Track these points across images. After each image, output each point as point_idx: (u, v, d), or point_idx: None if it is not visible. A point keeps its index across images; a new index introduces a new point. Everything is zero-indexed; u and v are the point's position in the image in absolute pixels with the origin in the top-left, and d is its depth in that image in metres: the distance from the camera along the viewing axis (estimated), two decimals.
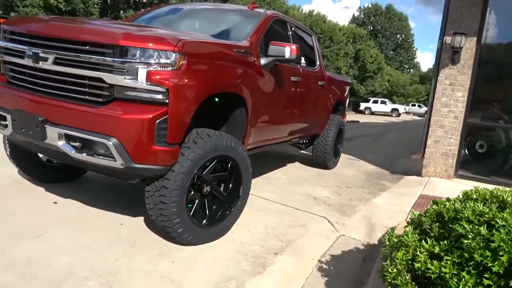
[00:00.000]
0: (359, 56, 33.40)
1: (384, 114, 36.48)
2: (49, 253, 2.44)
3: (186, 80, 2.48)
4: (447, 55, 5.36)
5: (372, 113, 36.40)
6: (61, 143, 2.45)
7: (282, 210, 3.87)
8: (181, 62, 2.44)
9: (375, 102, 37.31)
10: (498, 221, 1.68)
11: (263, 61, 3.45)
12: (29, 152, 3.32)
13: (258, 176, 5.10)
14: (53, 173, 3.69)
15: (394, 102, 42.22)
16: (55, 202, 3.28)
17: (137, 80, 2.33)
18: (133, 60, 2.33)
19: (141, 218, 3.15)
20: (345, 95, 6.44)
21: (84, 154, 2.44)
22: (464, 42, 5.14)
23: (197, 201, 2.80)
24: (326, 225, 3.62)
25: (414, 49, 63.70)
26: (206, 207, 2.88)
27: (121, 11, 17.12)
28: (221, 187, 3.02)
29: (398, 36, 60.86)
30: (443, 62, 5.42)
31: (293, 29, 4.54)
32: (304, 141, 5.96)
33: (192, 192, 2.74)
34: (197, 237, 2.78)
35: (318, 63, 5.23)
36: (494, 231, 1.64)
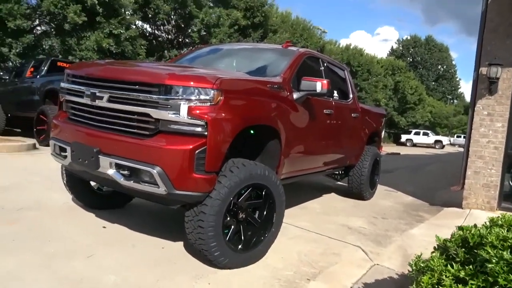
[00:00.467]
0: (399, 88, 33.07)
1: (427, 146, 35.43)
2: (98, 272, 2.67)
3: (223, 114, 2.72)
4: (484, 85, 5.34)
5: (414, 145, 35.45)
6: (112, 172, 2.74)
7: (315, 238, 3.94)
8: (218, 98, 2.70)
9: (417, 133, 36.40)
10: None
11: (295, 95, 3.67)
12: (83, 181, 3.67)
13: (294, 205, 5.21)
14: (103, 201, 4.02)
15: (437, 134, 40.95)
16: (104, 227, 3.56)
17: (179, 115, 2.60)
18: (176, 97, 2.61)
19: (181, 243, 3.34)
20: (380, 126, 6.49)
21: (132, 182, 2.71)
22: (500, 73, 5.12)
23: (233, 226, 2.97)
24: (359, 254, 3.64)
25: (457, 79, 62.15)
26: (241, 233, 3.04)
27: (165, 51, 18.26)
28: (256, 214, 3.17)
29: (439, 67, 59.80)
30: (480, 93, 5.39)
31: (325, 64, 4.76)
32: (340, 172, 6.03)
33: (228, 218, 2.91)
34: (232, 261, 2.92)
35: (351, 95, 5.39)
36: None
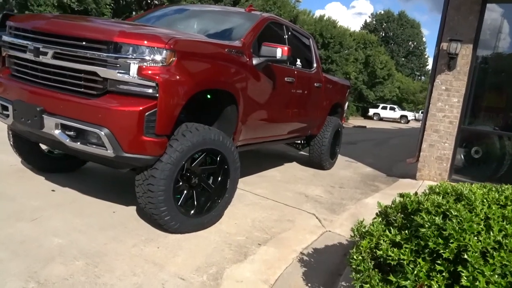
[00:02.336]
0: (369, 62, 33.34)
1: (393, 120, 36.35)
2: (43, 234, 2.60)
3: (176, 76, 2.63)
4: (444, 61, 5.45)
5: (381, 119, 36.28)
6: (57, 132, 2.62)
7: (272, 205, 3.99)
8: (171, 59, 2.59)
9: (384, 108, 37.19)
10: (452, 212, 1.79)
11: (255, 61, 3.59)
12: (31, 143, 3.50)
13: (254, 173, 5.24)
14: (53, 164, 3.87)
15: (403, 109, 42.02)
16: (53, 190, 3.45)
17: (129, 75, 2.49)
18: (125, 56, 2.48)
19: (133, 208, 3.30)
20: (344, 98, 6.55)
21: (78, 143, 2.60)
22: (459, 49, 5.22)
23: (185, 191, 2.94)
24: (313, 221, 3.73)
25: (426, 56, 63.32)
26: (194, 198, 3.02)
27: (133, 12, 17.44)
28: (210, 180, 3.15)
29: (410, 43, 60.57)
30: (440, 68, 5.50)
31: (290, 31, 4.67)
32: (301, 142, 6.08)
33: (181, 183, 2.88)
34: (184, 226, 2.92)
35: (315, 65, 5.36)
36: (448, 220, 1.75)
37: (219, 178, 3.18)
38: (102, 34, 2.58)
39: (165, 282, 2.26)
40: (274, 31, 4.34)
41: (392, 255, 1.81)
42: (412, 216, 1.96)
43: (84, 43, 2.56)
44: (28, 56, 2.77)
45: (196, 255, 2.67)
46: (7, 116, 2.90)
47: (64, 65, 2.63)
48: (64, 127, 2.61)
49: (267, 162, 6.16)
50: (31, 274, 2.13)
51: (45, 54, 2.66)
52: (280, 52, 3.52)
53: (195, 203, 3.02)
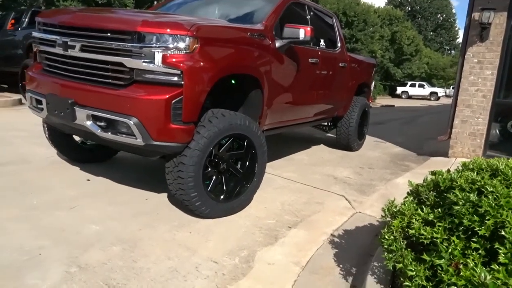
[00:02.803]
0: (396, 39, 32.28)
1: (423, 98, 35.29)
2: (81, 222, 2.72)
3: (199, 63, 2.64)
4: (475, 32, 5.20)
5: (410, 97, 35.29)
6: (89, 123, 2.70)
7: (300, 188, 3.99)
8: (194, 46, 2.60)
9: (413, 85, 36.10)
10: (487, 188, 1.73)
11: (278, 43, 3.55)
12: (65, 135, 3.63)
13: (282, 157, 5.24)
14: (87, 154, 4.01)
15: (433, 86, 40.63)
16: (88, 180, 3.58)
17: (154, 63, 2.52)
18: (150, 45, 2.51)
19: (165, 195, 3.38)
20: (370, 77, 6.39)
21: (109, 133, 2.67)
22: (493, 18, 4.97)
23: (214, 177, 2.98)
24: (343, 203, 3.71)
25: (456, 29, 60.62)
26: (223, 183, 3.06)
27: (155, 2, 17.55)
28: (238, 165, 3.18)
29: (438, 16, 58.10)
30: (471, 40, 5.27)
31: (312, 11, 4.58)
32: (328, 123, 6.01)
33: (210, 169, 2.92)
34: (214, 211, 2.97)
35: (339, 44, 5.24)
36: (483, 197, 1.70)
37: (247, 163, 3.20)
38: (125, 24, 2.62)
39: (199, 265, 2.32)
40: (296, 12, 4.27)
41: (425, 233, 1.79)
42: (445, 194, 1.92)
43: (109, 34, 2.61)
44: (57, 50, 2.85)
45: (227, 239, 2.72)
46: (41, 109, 3.02)
47: (91, 57, 2.69)
48: (95, 118, 2.69)
49: (294, 145, 6.14)
50: (73, 259, 2.23)
51: (73, 47, 2.73)
52: (303, 33, 3.46)
53: (224, 188, 3.06)
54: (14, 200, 2.99)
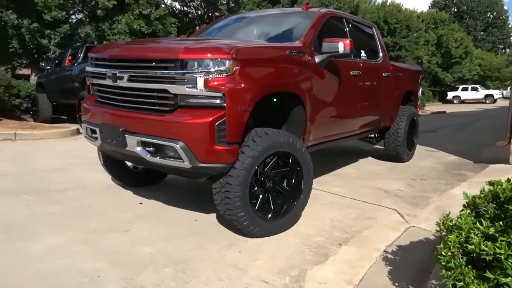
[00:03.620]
0: (442, 42, 31.08)
1: (477, 101, 33.40)
2: (135, 244, 2.82)
3: (240, 84, 2.69)
4: None
5: (462, 102, 33.57)
6: (138, 149, 2.83)
7: (349, 203, 3.89)
8: (234, 68, 2.66)
9: (465, 89, 34.35)
10: None
11: (317, 58, 3.54)
12: (118, 161, 3.83)
13: (328, 172, 5.16)
14: (138, 178, 4.19)
15: (488, 88, 38.38)
16: (140, 203, 3.73)
17: (196, 88, 2.61)
18: (191, 71, 2.61)
19: (213, 215, 3.43)
20: (416, 84, 6.18)
21: (158, 158, 2.78)
22: None
23: (261, 196, 2.99)
24: (395, 217, 3.57)
25: (510, 26, 57.23)
26: (270, 202, 3.06)
27: (196, 27, 18.24)
28: (284, 182, 3.17)
29: (488, 15, 55.27)
30: None
31: (350, 23, 4.54)
32: (375, 135, 5.86)
33: (256, 188, 2.93)
34: (262, 229, 2.96)
35: (381, 54, 5.14)
36: None
37: (293, 180, 3.18)
38: (168, 53, 2.75)
39: (249, 286, 2.32)
40: (334, 26, 4.25)
41: (486, 249, 1.67)
42: (506, 206, 1.79)
43: (153, 63, 2.75)
44: (108, 82, 3.04)
45: (276, 258, 2.69)
46: (96, 138, 3.21)
47: (138, 87, 2.84)
48: (144, 144, 2.81)
49: (340, 159, 6.02)
50: (128, 281, 2.32)
51: (121, 78, 2.90)
52: (342, 46, 3.44)
53: (271, 206, 3.05)
54: (75, 223, 3.18)
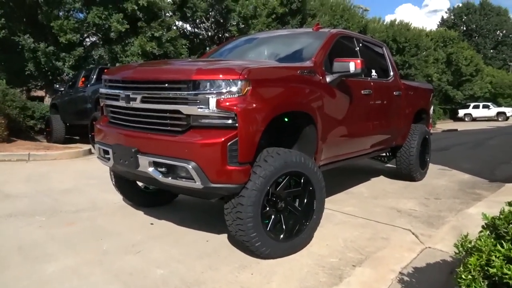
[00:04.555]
0: (452, 60, 31.10)
1: (489, 119, 33.06)
2: (147, 265, 2.80)
3: (252, 104, 2.71)
4: None
5: (474, 120, 33.26)
6: (151, 170, 2.84)
7: (362, 223, 3.83)
8: (246, 88, 2.68)
9: (476, 107, 34.07)
10: None
11: (328, 78, 3.56)
12: (129, 181, 3.84)
13: (340, 191, 5.10)
14: (150, 199, 4.19)
15: (499, 105, 38.02)
16: (151, 223, 3.72)
17: (209, 108, 2.62)
18: (204, 91, 2.63)
19: (225, 235, 3.40)
20: (427, 103, 6.15)
21: (170, 178, 2.79)
22: None
23: (273, 216, 2.96)
24: (409, 237, 3.49)
25: None
26: (282, 222, 3.03)
27: (207, 48, 18.54)
28: (296, 202, 3.14)
29: (498, 33, 55.36)
30: None
31: (360, 43, 4.57)
32: (387, 154, 5.81)
33: (268, 208, 2.91)
34: (275, 250, 2.92)
35: (391, 73, 5.15)
36: None
37: (305, 200, 3.15)
38: (181, 74, 2.79)
39: None
40: (345, 46, 4.29)
41: (509, 273, 1.62)
42: None
43: (166, 85, 2.78)
44: (121, 103, 3.09)
45: (290, 279, 2.65)
46: (109, 159, 3.24)
47: (151, 108, 2.87)
48: (156, 165, 2.82)
49: (353, 178, 5.96)
50: None
51: (134, 99, 2.94)
52: (353, 65, 3.45)
53: (284, 227, 3.02)
54: (87, 244, 3.18)
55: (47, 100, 14.37)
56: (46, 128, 11.33)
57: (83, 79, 10.55)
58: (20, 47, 13.01)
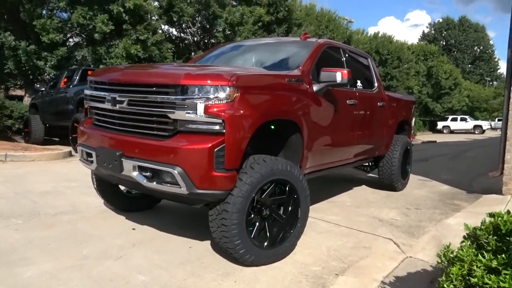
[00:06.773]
0: (432, 73, 31.91)
1: (466, 132, 33.98)
2: (128, 271, 2.74)
3: (240, 111, 2.70)
4: None
5: (452, 132, 34.11)
6: (135, 174, 2.80)
7: (345, 232, 3.86)
8: (235, 95, 2.68)
9: (454, 119, 35.00)
10: None
11: (315, 87, 3.59)
12: (112, 185, 3.77)
13: (323, 199, 5.13)
14: (132, 203, 4.12)
15: (476, 119, 39.17)
16: (133, 228, 3.65)
17: (196, 114, 2.61)
18: (192, 96, 2.62)
19: (208, 242, 3.37)
20: (409, 114, 6.28)
21: (154, 183, 2.75)
22: None
23: (257, 223, 2.95)
24: (391, 247, 3.53)
25: (496, 59, 59.13)
26: (266, 229, 3.02)
27: (192, 53, 18.49)
28: (281, 210, 3.14)
29: (475, 48, 57.21)
30: None
31: (347, 53, 4.64)
32: (369, 163, 5.88)
33: (253, 215, 2.90)
34: (259, 258, 2.91)
35: (376, 84, 5.24)
36: None
37: (290, 208, 3.15)
38: (169, 78, 2.76)
39: None
40: (332, 56, 4.34)
41: (490, 282, 1.65)
42: (508, 238, 1.79)
43: (154, 88, 2.76)
44: (107, 105, 3.04)
45: (273, 287, 2.64)
46: (91, 162, 3.17)
47: (138, 111, 2.83)
48: (141, 169, 2.78)
49: (336, 187, 6.02)
50: None
51: (121, 102, 2.90)
52: (340, 75, 3.50)
53: (268, 234, 3.01)
54: (67, 249, 3.09)
55: (27, 100, 14.03)
56: (25, 128, 11.06)
57: (65, 79, 10.36)
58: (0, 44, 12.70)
